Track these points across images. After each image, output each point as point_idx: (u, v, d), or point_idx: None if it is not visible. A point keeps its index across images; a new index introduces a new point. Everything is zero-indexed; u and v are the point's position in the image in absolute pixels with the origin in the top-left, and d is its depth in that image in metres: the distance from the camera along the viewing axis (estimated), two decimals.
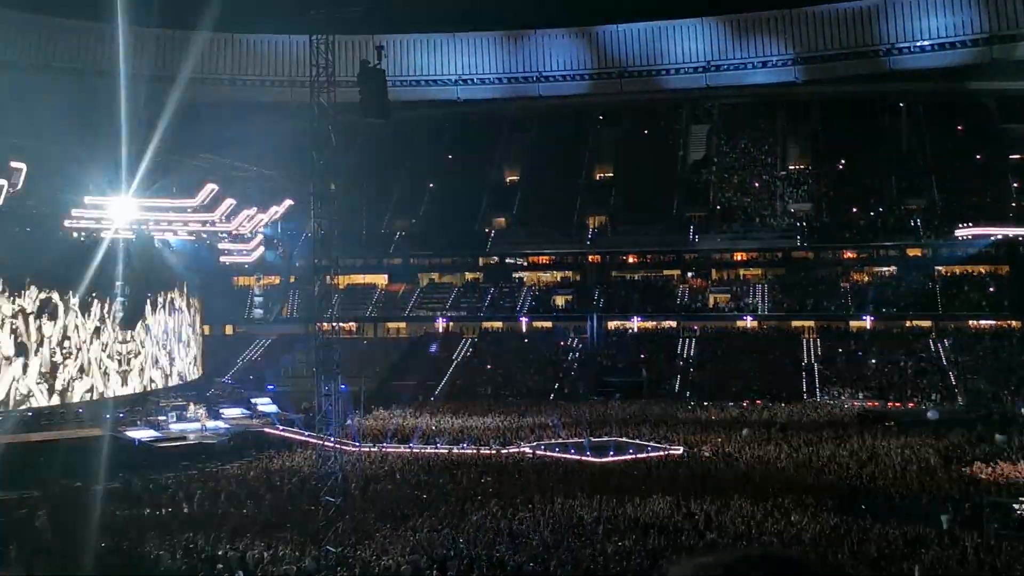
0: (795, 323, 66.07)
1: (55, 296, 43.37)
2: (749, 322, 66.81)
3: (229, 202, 50.07)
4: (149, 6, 66.58)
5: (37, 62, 65.96)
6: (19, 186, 40.15)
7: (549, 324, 70.25)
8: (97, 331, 46.08)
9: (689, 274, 72.14)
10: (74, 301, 44.82)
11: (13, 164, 39.85)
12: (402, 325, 72.93)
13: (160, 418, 46.11)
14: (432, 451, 40.04)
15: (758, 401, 54.44)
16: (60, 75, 66.55)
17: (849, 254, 70.81)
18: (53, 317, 42.77)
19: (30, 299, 41.49)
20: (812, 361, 60.64)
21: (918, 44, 71.36)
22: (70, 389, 44.38)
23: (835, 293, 67.43)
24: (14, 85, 62.34)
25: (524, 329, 70.24)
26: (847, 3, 73.55)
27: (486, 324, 71.27)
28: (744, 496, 29.86)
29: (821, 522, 26.75)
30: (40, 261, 43.00)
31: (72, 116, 54.74)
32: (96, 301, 46.55)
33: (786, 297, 67.77)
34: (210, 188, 48.82)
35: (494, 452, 39.70)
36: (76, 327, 44.86)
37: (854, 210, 72.88)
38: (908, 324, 64.41)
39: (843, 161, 78.26)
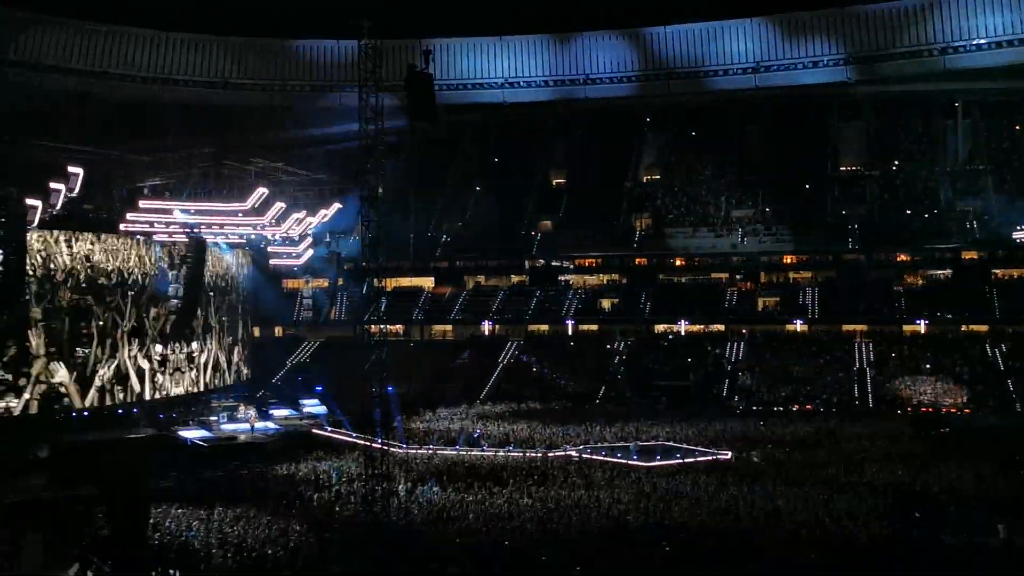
0: (846, 327, 64.92)
1: (96, 298, 44.18)
2: (799, 326, 65.86)
3: (279, 206, 50.72)
4: (203, 13, 67.90)
5: (94, 69, 67.45)
6: (76, 190, 41.14)
7: (595, 327, 69.96)
8: (140, 332, 46.90)
9: (737, 277, 71.37)
10: (126, 302, 45.75)
11: (70, 169, 40.85)
12: (448, 328, 73.19)
13: (211, 419, 46.83)
14: (478, 453, 40.08)
15: (808, 406, 53.69)
16: (118, 81, 68.01)
17: (902, 257, 69.44)
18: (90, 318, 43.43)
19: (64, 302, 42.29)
20: (864, 366, 59.56)
21: (974, 43, 69.74)
22: (116, 390, 45.31)
23: (888, 297, 66.20)
24: (72, 90, 63.84)
25: (570, 332, 70.04)
26: (901, 1, 72.21)
27: (532, 327, 71.18)
28: (794, 502, 29.42)
29: (874, 529, 26.25)
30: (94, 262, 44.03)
31: (128, 121, 55.94)
32: (150, 303, 47.48)
33: (837, 301, 66.68)
34: (260, 192, 49.50)
35: (540, 455, 39.63)
36: (125, 329, 45.77)
37: (907, 212, 71.53)
38: (963, 329, 62.94)
39: (896, 162, 76.88)
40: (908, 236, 69.06)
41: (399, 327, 69.74)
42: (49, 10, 65.57)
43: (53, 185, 40.25)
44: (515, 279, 76.08)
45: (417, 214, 77.61)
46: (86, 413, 43.30)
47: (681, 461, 37.76)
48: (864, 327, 64.17)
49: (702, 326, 67.71)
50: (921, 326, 63.15)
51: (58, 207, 41.03)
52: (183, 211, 47.10)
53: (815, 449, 39.55)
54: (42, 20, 65.99)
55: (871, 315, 64.81)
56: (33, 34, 65.48)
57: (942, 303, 64.15)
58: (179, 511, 29.93)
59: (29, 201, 38.89)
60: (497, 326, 71.45)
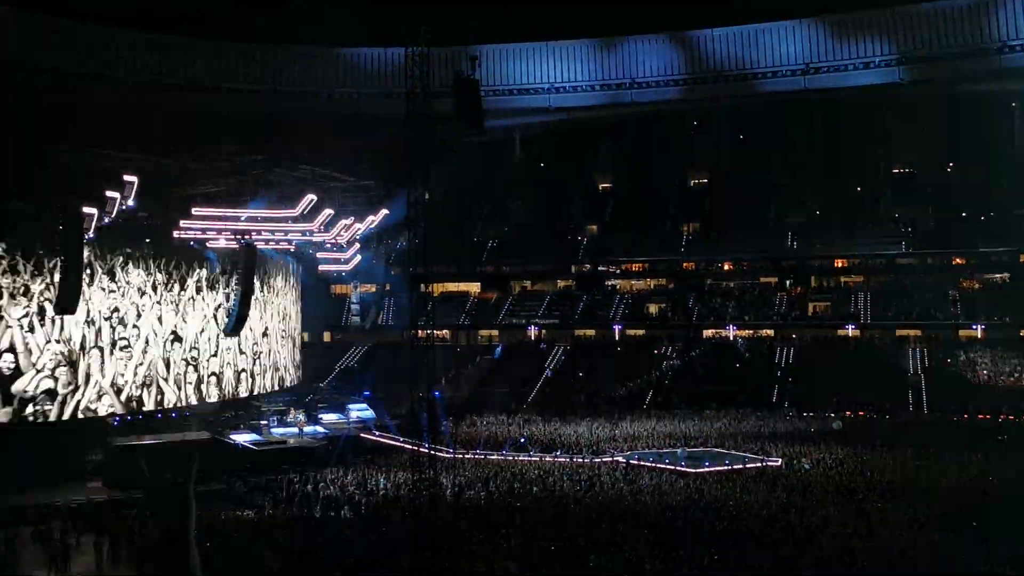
0: (900, 332, 63.73)
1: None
2: (851, 330, 64.78)
3: (327, 212, 51.27)
4: (250, 22, 68.93)
5: (146, 79, 68.80)
6: (131, 198, 41.99)
7: (642, 332, 69.58)
8: (177, 337, 47.64)
9: (787, 282, 70.46)
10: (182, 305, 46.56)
11: (126, 177, 41.69)
12: (495, 332, 73.34)
13: (262, 422, 47.42)
14: (525, 459, 40.05)
15: (861, 412, 52.78)
16: (170, 92, 69.26)
17: (958, 260, 67.96)
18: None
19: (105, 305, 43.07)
20: (918, 372, 58.38)
21: None
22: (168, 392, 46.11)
23: (943, 301, 64.84)
24: (126, 101, 65.11)
25: (617, 337, 69.74)
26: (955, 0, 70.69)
27: (578, 332, 71.03)
28: (847, 510, 28.92)
29: (928, 538, 25.68)
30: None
31: (181, 130, 56.90)
32: (205, 308, 48.29)
33: (890, 305, 65.49)
34: (309, 199, 50.09)
35: (587, 460, 39.48)
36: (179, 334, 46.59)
37: (963, 214, 70.02)
38: (1022, 333, 61.35)
39: (951, 164, 75.31)
40: (964, 239, 67.61)
41: (446, 332, 70.03)
42: (108, 21, 67.08)
43: (109, 193, 41.12)
44: (561, 284, 76.03)
45: (463, 219, 77.87)
46: (140, 416, 44.14)
47: (730, 467, 37.35)
48: (918, 332, 62.92)
49: (751, 331, 66.98)
50: (977, 331, 61.75)
51: (113, 215, 41.93)
52: (234, 218, 47.84)
53: (868, 456, 38.82)
54: (102, 32, 67.53)
55: (925, 320, 63.54)
56: (93, 45, 67.04)
57: (999, 307, 62.65)
58: (231, 514, 30.38)
59: (86, 209, 39.81)
60: (543, 331, 71.42)
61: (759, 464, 38.02)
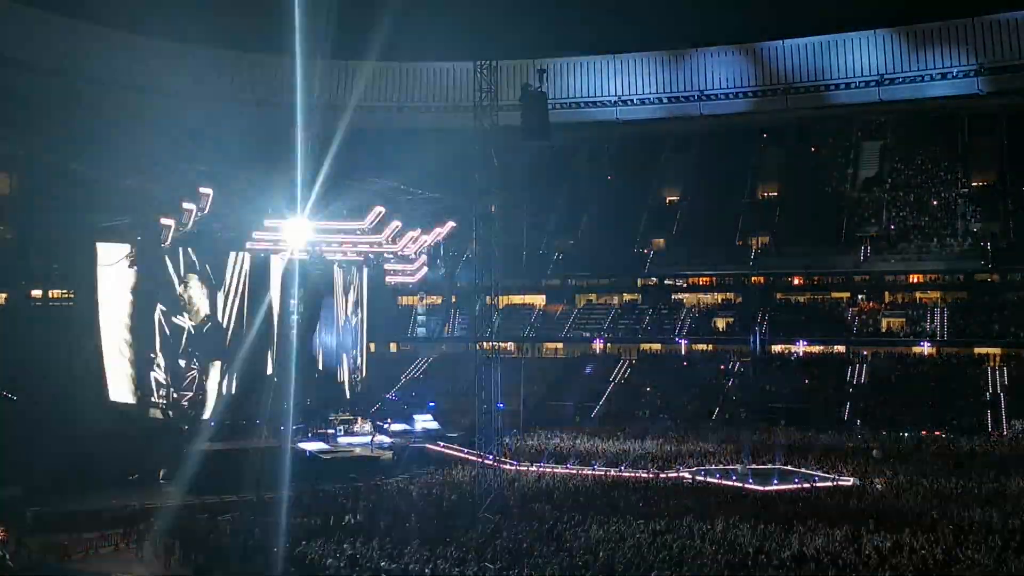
0: (978, 350, 61.68)
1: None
2: (926, 348, 62.93)
3: (395, 224, 51.82)
4: (323, 39, 70.29)
5: (223, 94, 70.70)
6: (206, 210, 43.09)
7: (709, 346, 68.68)
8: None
9: (860, 297, 68.79)
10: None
11: (201, 189, 42.82)
12: (559, 345, 73.19)
13: (329, 431, 48.03)
14: (589, 472, 39.81)
15: (937, 432, 51.20)
16: (243, 106, 71.05)
17: None
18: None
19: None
20: (998, 391, 56.42)
21: None
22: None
23: None
24: (202, 116, 66.99)
25: (683, 351, 68.95)
26: None
27: (644, 346, 70.45)
28: (920, 533, 28.00)
29: (1009, 565, 24.72)
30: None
31: (253, 143, 58.30)
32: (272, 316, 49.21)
33: (968, 322, 63.44)
34: (378, 211, 50.70)
35: (652, 476, 39.06)
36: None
37: None
38: None
39: None
40: None
41: (511, 344, 70.13)
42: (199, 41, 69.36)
43: (186, 205, 42.27)
44: (627, 297, 75.54)
45: (529, 232, 77.95)
46: (212, 423, 45.12)
47: (799, 486, 36.58)
48: (999, 350, 60.79)
49: (821, 347, 65.59)
50: None
51: (189, 226, 43.08)
52: (305, 229, 48.60)
53: (944, 478, 37.58)
54: (178, 50, 69.73)
55: (1006, 337, 61.38)
56: (167, 63, 69.24)
57: None
58: (296, 521, 30.75)
59: (163, 220, 40.98)
60: (608, 344, 71.00)
61: (830, 483, 37.13)
